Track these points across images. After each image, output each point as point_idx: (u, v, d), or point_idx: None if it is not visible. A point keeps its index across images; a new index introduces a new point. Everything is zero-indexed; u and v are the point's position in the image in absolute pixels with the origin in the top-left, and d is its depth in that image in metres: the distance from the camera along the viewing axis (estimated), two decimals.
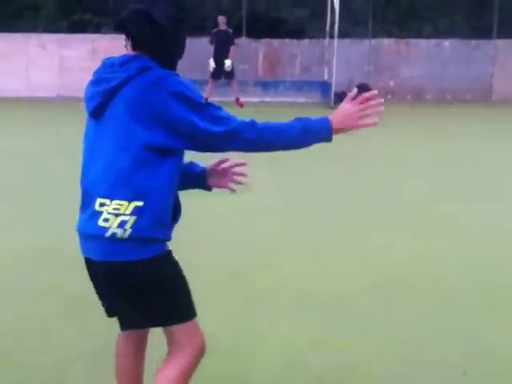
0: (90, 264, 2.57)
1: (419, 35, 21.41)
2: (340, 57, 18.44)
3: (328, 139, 2.56)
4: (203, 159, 2.85)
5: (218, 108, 2.46)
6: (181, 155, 2.54)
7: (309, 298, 4.70)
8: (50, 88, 20.08)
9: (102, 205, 2.40)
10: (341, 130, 2.56)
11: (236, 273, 5.05)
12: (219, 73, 17.45)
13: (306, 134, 2.51)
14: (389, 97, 20.16)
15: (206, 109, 2.42)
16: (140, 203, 2.37)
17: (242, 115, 2.63)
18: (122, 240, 2.39)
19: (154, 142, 2.39)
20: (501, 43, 20.39)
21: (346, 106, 2.58)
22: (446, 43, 20.59)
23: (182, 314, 2.56)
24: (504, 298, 4.74)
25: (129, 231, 2.38)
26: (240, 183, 2.89)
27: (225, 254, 5.43)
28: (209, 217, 6.44)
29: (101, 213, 2.40)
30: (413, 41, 20.70)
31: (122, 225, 2.38)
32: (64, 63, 20.38)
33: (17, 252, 5.66)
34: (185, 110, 2.37)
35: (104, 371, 3.61)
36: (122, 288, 2.50)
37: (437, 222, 6.72)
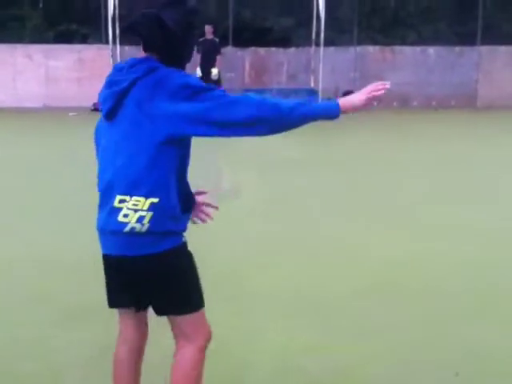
0: (109, 260, 2.66)
1: (404, 42, 21.58)
2: (326, 64, 18.57)
3: (333, 113, 2.58)
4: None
5: (222, 90, 2.55)
6: (188, 146, 2.64)
7: (303, 300, 4.73)
8: (37, 98, 20.06)
9: (121, 201, 2.51)
10: (349, 105, 2.60)
11: (229, 276, 5.08)
12: (206, 81, 17.43)
13: (309, 105, 2.57)
14: (375, 104, 20.23)
15: (211, 91, 2.50)
16: (155, 199, 2.49)
17: None
18: (140, 234, 2.50)
19: (167, 135, 2.48)
20: (485, 49, 20.58)
21: (360, 92, 2.64)
22: (431, 50, 20.77)
23: (196, 303, 2.68)
24: (498, 299, 4.79)
25: (146, 226, 2.49)
26: (202, 221, 2.98)
27: (218, 256, 5.45)
28: None
29: (120, 209, 2.51)
30: (398, 48, 20.86)
31: (140, 220, 2.49)
32: (50, 73, 20.37)
33: (9, 260, 5.67)
34: (190, 98, 2.46)
35: (99, 379, 3.63)
36: (143, 280, 2.60)
37: (432, 223, 6.80)
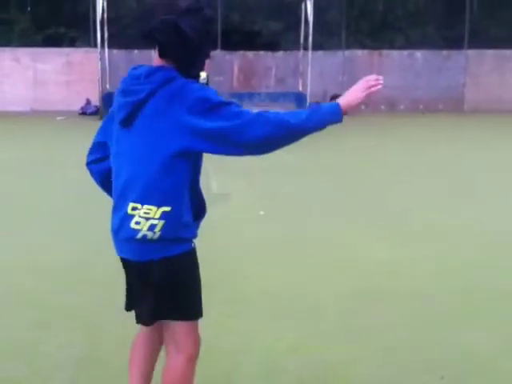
0: (124, 263, 2.75)
1: (392, 46, 21.69)
2: (314, 68, 18.63)
3: (338, 118, 2.60)
4: None
5: (238, 105, 2.56)
6: (202, 157, 2.68)
7: (291, 302, 4.76)
8: (24, 102, 20.01)
9: (134, 209, 2.56)
10: (350, 106, 2.64)
11: (215, 279, 5.10)
12: None
13: (316, 115, 2.58)
14: (363, 107, 20.38)
15: (228, 107, 2.51)
16: (168, 208, 2.53)
17: None
18: (151, 241, 2.56)
19: (181, 147, 2.50)
20: (472, 53, 20.73)
21: (356, 87, 2.70)
22: (418, 54, 20.90)
23: (195, 312, 2.73)
24: (483, 302, 4.82)
25: (158, 234, 2.55)
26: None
27: (205, 261, 5.45)
28: None
29: (133, 216, 2.56)
30: (385, 52, 20.96)
31: (151, 228, 2.54)
32: (38, 77, 20.33)
33: None
34: (207, 113, 2.48)
35: (88, 381, 3.64)
36: (152, 284, 2.64)
37: (419, 227, 6.84)
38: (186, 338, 2.71)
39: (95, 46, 19.22)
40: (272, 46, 21.36)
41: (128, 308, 2.89)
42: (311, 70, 18.27)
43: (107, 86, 19.74)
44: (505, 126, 16.72)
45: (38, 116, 18.70)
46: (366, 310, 4.64)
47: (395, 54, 20.93)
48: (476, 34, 20.78)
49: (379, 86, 2.64)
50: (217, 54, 19.80)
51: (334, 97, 20.42)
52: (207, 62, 2.65)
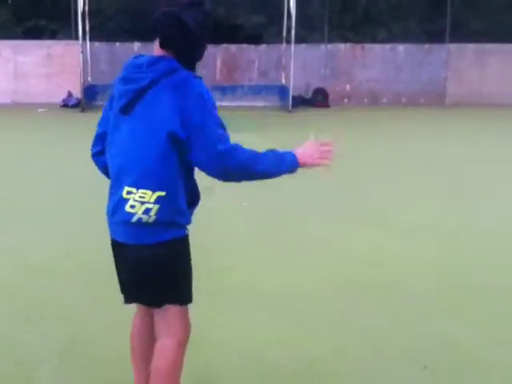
0: (115, 245, 2.81)
1: (374, 40, 21.74)
2: (297, 61, 18.63)
3: (294, 170, 2.80)
4: None
5: (224, 127, 2.66)
6: None
7: (275, 295, 4.78)
8: (5, 94, 19.82)
9: (128, 193, 2.63)
10: (304, 165, 2.79)
11: (197, 272, 5.10)
12: None
13: (278, 163, 2.74)
14: (345, 101, 20.44)
15: (217, 120, 2.62)
16: (163, 193, 2.61)
17: None
18: (146, 224, 2.63)
19: (169, 131, 2.57)
20: (453, 47, 20.82)
21: (309, 147, 2.82)
22: (401, 47, 20.96)
23: (185, 296, 2.81)
24: (463, 294, 4.88)
25: (153, 217, 2.62)
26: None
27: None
28: None
29: (128, 200, 2.63)
30: (368, 45, 21.01)
31: (146, 212, 2.61)
32: (19, 69, 20.15)
33: None
34: (202, 110, 2.59)
35: (68, 374, 3.64)
36: (145, 267, 2.71)
37: (401, 221, 6.88)
38: (177, 322, 2.78)
39: (76, 38, 19.05)
40: (255, 39, 21.32)
41: (126, 300, 2.93)
42: (294, 63, 18.26)
43: (89, 79, 19.62)
44: (485, 120, 16.84)
45: (19, 108, 18.54)
46: (345, 301, 4.68)
47: (377, 48, 20.98)
48: (457, 28, 20.87)
49: (329, 162, 2.80)
50: None
51: (317, 91, 20.49)
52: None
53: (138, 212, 2.61)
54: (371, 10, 23.09)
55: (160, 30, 2.63)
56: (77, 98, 18.98)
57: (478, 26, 21.00)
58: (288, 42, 19.04)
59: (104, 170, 2.91)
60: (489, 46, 20.50)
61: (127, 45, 19.85)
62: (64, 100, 19.41)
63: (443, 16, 21.18)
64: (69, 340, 4.05)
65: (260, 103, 19.53)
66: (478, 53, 20.71)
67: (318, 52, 20.75)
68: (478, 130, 14.92)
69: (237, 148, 2.64)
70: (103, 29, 20.62)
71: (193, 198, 2.79)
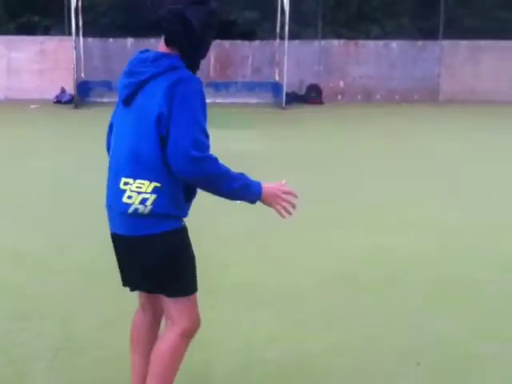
0: (115, 238, 2.84)
1: (368, 36, 21.76)
2: (290, 58, 18.62)
3: (254, 202, 2.84)
4: None
5: (207, 136, 2.67)
6: None
7: (267, 293, 4.78)
8: None
9: (125, 183, 2.67)
10: (264, 201, 2.83)
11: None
12: None
13: (244, 189, 2.76)
14: (339, 97, 20.45)
15: (200, 127, 2.63)
16: (159, 184, 2.64)
17: None
18: (143, 215, 2.66)
19: (158, 113, 2.59)
20: (447, 44, 20.85)
21: (277, 188, 2.84)
22: (394, 44, 20.98)
23: (184, 288, 2.82)
24: (455, 290, 4.90)
25: (149, 207, 2.64)
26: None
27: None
28: None
29: (125, 191, 2.67)
30: (361, 42, 21.02)
31: (143, 202, 2.64)
32: (12, 65, 20.08)
33: None
34: (188, 111, 2.61)
35: (62, 371, 3.63)
36: (143, 259, 2.74)
37: (394, 218, 6.89)
38: (180, 313, 2.80)
39: (70, 34, 18.99)
40: (248, 35, 21.31)
41: (124, 283, 2.96)
42: (287, 60, 18.25)
43: (82, 75, 19.57)
44: (478, 116, 16.89)
45: (12, 104, 18.49)
46: (343, 300, 4.69)
47: (371, 45, 20.99)
48: (450, 25, 20.91)
49: (287, 215, 2.86)
50: None
51: (311, 87, 20.49)
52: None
53: (135, 202, 2.64)
54: (365, 6, 23.11)
55: (165, 27, 2.68)
56: (70, 94, 18.93)
57: (472, 23, 21.04)
58: (282, 38, 19.04)
59: None
60: (482, 43, 20.55)
61: (120, 41, 19.82)
62: (57, 96, 19.35)
63: (436, 13, 21.21)
64: (62, 337, 4.04)
65: (254, 100, 19.52)
66: (472, 49, 20.75)
67: (312, 48, 20.75)
68: (471, 126, 14.96)
69: (211, 159, 2.63)
70: (96, 24, 20.57)
71: (189, 191, 2.80)
